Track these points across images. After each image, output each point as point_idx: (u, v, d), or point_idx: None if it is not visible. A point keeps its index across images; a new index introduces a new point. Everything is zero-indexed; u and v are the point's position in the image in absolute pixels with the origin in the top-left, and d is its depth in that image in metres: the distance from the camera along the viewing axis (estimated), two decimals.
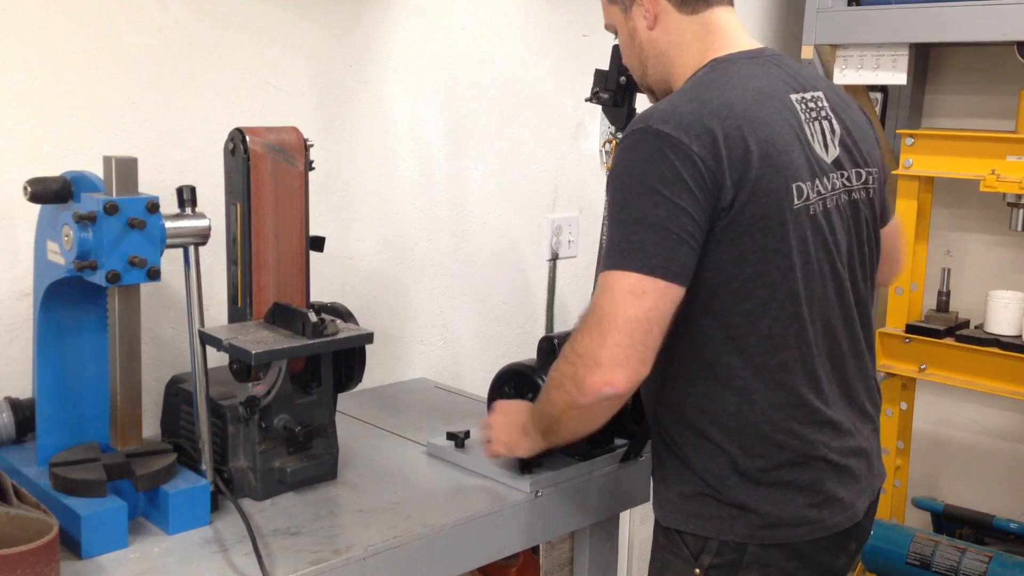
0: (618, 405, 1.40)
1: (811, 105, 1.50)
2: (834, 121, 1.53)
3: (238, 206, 1.62)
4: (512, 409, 1.66)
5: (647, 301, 1.33)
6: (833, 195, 1.48)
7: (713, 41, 1.52)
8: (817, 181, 1.46)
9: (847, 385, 1.54)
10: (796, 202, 1.42)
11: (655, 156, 1.36)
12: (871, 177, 1.57)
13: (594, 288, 1.45)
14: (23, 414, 1.63)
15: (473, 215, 2.44)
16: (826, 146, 1.50)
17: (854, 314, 1.54)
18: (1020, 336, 2.80)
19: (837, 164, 1.51)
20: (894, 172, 2.89)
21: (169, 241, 1.47)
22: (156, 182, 1.74)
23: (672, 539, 1.54)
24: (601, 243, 1.84)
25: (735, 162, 1.37)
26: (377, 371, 2.24)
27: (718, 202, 1.37)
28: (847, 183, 1.52)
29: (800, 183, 1.43)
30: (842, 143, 1.53)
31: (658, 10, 1.53)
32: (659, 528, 1.59)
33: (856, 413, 1.56)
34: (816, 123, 1.50)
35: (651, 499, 1.65)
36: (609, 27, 1.64)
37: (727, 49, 1.51)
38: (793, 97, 1.48)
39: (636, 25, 1.56)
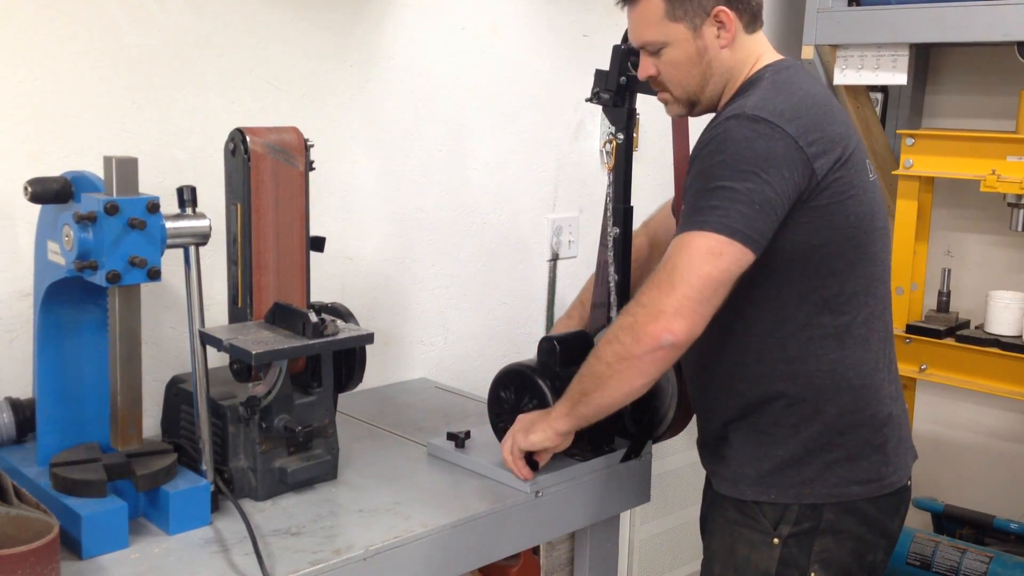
0: (671, 359, 1.48)
1: None
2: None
3: (238, 206, 1.62)
4: (529, 416, 1.68)
5: (723, 262, 1.44)
6: (875, 176, 1.64)
7: (761, 55, 1.65)
8: (868, 161, 1.63)
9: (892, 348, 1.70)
10: (870, 175, 1.60)
11: (749, 136, 1.47)
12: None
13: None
14: (23, 414, 1.63)
15: (473, 215, 2.44)
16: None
17: (888, 276, 1.70)
18: (1020, 336, 2.80)
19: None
20: (894, 172, 2.89)
21: (169, 241, 1.47)
22: (156, 182, 1.74)
23: (749, 512, 1.63)
24: (602, 243, 1.84)
25: (824, 143, 1.51)
26: (377, 371, 2.23)
27: (812, 178, 1.49)
28: (871, 165, 1.68)
29: (868, 160, 1.62)
30: None
31: (734, 29, 1.61)
32: (731, 503, 1.67)
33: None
34: None
35: (715, 477, 1.73)
36: (651, 44, 1.64)
37: (770, 59, 1.65)
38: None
39: (708, 44, 1.61)
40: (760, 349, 1.60)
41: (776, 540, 1.60)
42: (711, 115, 1.66)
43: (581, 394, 1.57)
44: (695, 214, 1.47)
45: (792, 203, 1.49)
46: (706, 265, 1.43)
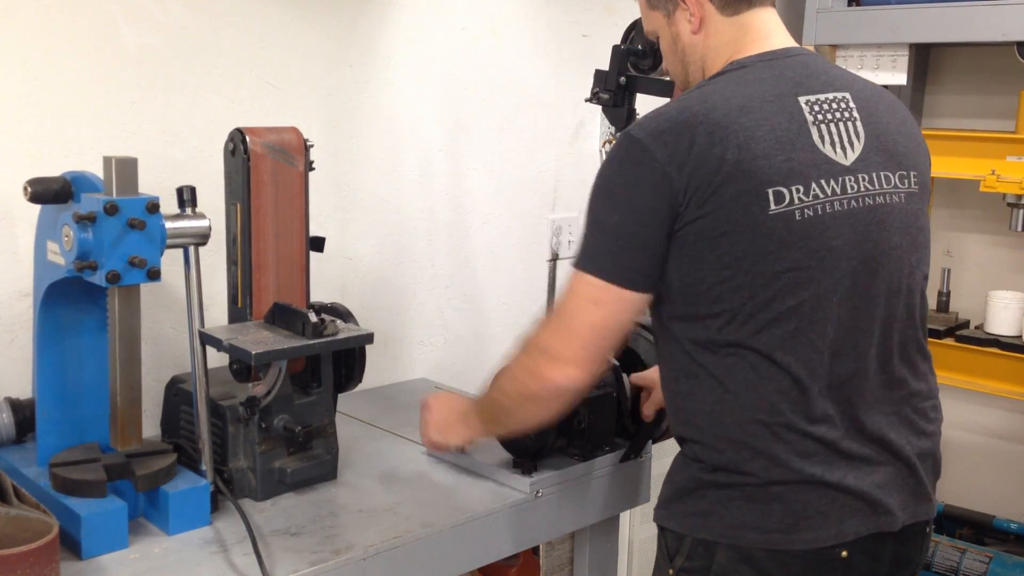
0: (574, 399, 1.48)
1: (826, 107, 1.44)
2: (859, 123, 1.46)
3: (238, 206, 1.62)
4: (446, 400, 1.74)
5: (603, 309, 1.40)
6: (845, 198, 1.41)
7: (744, 44, 1.48)
8: (815, 185, 1.39)
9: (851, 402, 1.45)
10: (772, 207, 1.35)
11: (624, 160, 1.40)
12: (908, 180, 1.48)
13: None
14: (23, 414, 1.63)
15: (473, 215, 2.44)
16: (843, 148, 1.43)
17: (865, 318, 1.43)
18: (1020, 336, 2.80)
19: (855, 167, 1.43)
20: None
21: (169, 241, 1.47)
22: (156, 182, 1.74)
23: (660, 535, 1.53)
24: None
25: (699, 169, 1.34)
26: (377, 371, 2.23)
27: (678, 208, 1.36)
28: (869, 186, 1.44)
29: (781, 188, 1.36)
30: (869, 145, 1.45)
31: (703, 13, 1.49)
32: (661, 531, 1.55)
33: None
34: (830, 125, 1.43)
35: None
36: (650, 33, 1.60)
37: (752, 51, 1.47)
38: (802, 99, 1.43)
39: (679, 29, 1.52)
40: (665, 373, 1.51)
41: (671, 572, 1.47)
42: None
43: (493, 419, 1.61)
44: (580, 249, 1.43)
45: (670, 232, 1.38)
46: (588, 315, 1.40)
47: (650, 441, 1.85)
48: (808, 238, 1.38)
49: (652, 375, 1.78)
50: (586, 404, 1.70)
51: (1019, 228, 2.77)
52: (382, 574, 1.46)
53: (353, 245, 2.21)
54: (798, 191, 1.38)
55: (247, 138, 1.60)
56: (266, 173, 1.62)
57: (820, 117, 1.43)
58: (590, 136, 2.68)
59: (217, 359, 1.64)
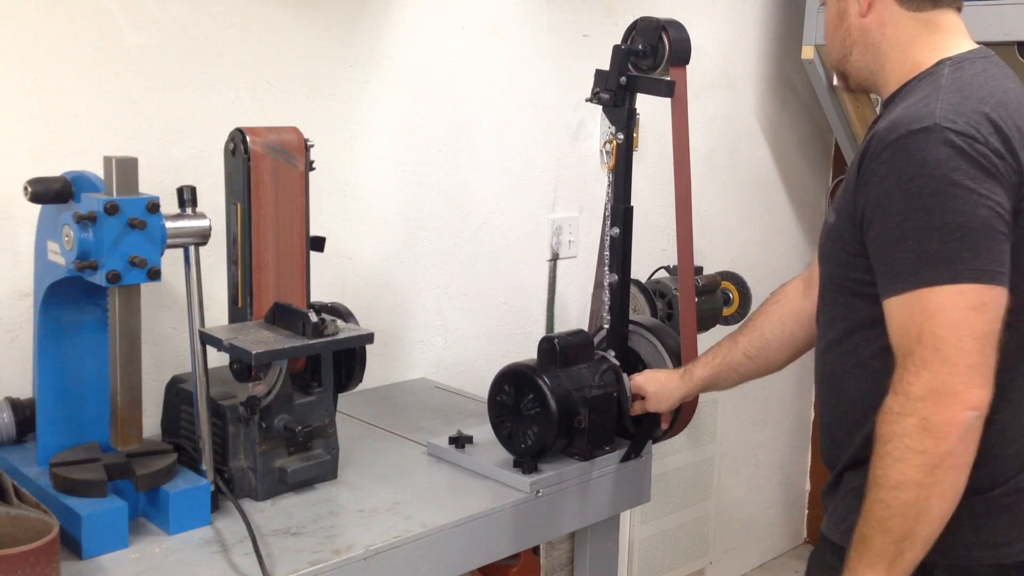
0: (980, 432, 1.24)
1: None
2: None
3: (238, 206, 1.62)
4: None
5: (990, 312, 1.23)
6: None
7: (940, 41, 1.41)
8: None
9: None
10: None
11: (955, 153, 1.25)
12: None
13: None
14: (23, 414, 1.63)
15: (473, 215, 2.44)
16: None
17: None
18: None
19: None
20: None
21: (169, 241, 1.47)
22: (156, 182, 1.74)
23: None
24: (602, 243, 1.84)
25: (1022, 159, 1.28)
26: (377, 371, 2.23)
27: (1018, 200, 1.28)
28: None
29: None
30: None
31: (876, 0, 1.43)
32: (831, 546, 1.45)
33: None
34: None
35: (826, 512, 1.50)
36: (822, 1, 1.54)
37: (956, 50, 1.40)
38: None
39: (848, 7, 1.46)
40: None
41: None
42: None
43: (897, 543, 1.25)
44: (932, 263, 1.24)
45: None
46: (976, 324, 1.22)
47: (650, 441, 1.85)
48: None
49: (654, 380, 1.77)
50: (586, 404, 1.70)
51: None
52: (382, 574, 1.46)
53: (353, 245, 2.21)
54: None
55: (247, 138, 1.60)
56: (266, 173, 1.62)
57: None
58: (590, 136, 2.68)
59: (217, 359, 1.64)
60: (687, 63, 1.80)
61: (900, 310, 1.26)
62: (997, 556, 1.34)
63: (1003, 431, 1.33)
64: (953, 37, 1.42)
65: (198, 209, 1.53)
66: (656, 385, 1.77)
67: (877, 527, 1.27)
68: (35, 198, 1.45)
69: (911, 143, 1.26)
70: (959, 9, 1.45)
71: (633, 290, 2.22)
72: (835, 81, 1.58)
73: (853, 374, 1.39)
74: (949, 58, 1.39)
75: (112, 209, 1.37)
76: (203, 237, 1.52)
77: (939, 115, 1.27)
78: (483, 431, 1.81)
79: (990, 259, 1.23)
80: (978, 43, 1.44)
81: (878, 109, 3.42)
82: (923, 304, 1.23)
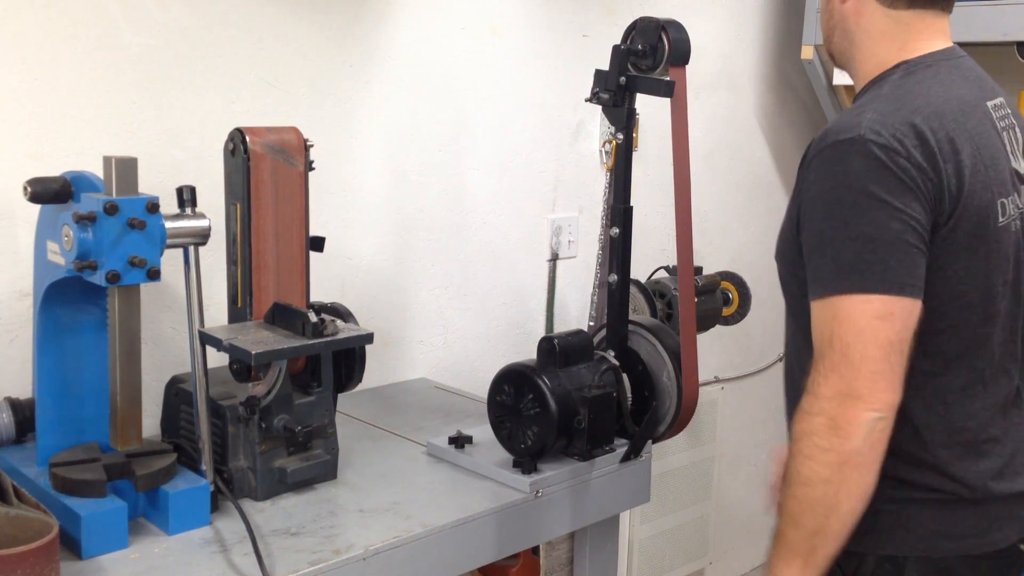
0: (887, 433, 1.28)
1: (1001, 113, 1.43)
2: (1018, 130, 1.45)
3: (238, 206, 1.62)
4: None
5: (896, 323, 1.26)
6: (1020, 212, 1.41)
7: (907, 41, 1.43)
8: (1015, 196, 1.39)
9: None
10: (1000, 219, 1.35)
11: (875, 166, 1.28)
12: None
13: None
14: (23, 414, 1.63)
15: (473, 215, 2.44)
16: (1018, 157, 1.42)
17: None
18: None
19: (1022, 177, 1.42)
20: None
21: (169, 241, 1.47)
22: (156, 182, 1.74)
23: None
24: (603, 243, 1.84)
25: (950, 175, 1.30)
26: (377, 371, 2.23)
27: (937, 215, 1.30)
28: None
29: (1004, 199, 1.36)
30: None
31: None
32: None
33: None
34: (1008, 132, 1.42)
35: None
36: None
37: (920, 51, 1.42)
38: (988, 104, 1.41)
39: None
40: None
41: None
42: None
43: (809, 538, 1.30)
44: (844, 271, 1.29)
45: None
46: (881, 332, 1.26)
47: (650, 441, 1.85)
48: (1015, 252, 1.39)
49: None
50: (586, 404, 1.70)
51: None
52: (382, 574, 1.46)
53: (353, 245, 2.21)
54: (1009, 203, 1.38)
55: (247, 138, 1.60)
56: (266, 173, 1.62)
57: (1001, 124, 1.42)
58: (590, 136, 2.68)
59: (217, 359, 1.64)
60: (687, 63, 1.80)
61: (817, 314, 1.31)
62: (966, 547, 1.38)
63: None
64: (924, 39, 1.43)
65: (198, 209, 1.53)
66: None
67: (791, 522, 1.32)
68: (35, 198, 1.45)
69: (836, 153, 1.31)
70: (946, 11, 1.46)
71: (633, 290, 2.22)
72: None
73: (803, 369, 1.41)
74: (906, 61, 1.41)
75: (112, 209, 1.37)
76: (203, 237, 1.52)
77: (864, 126, 1.30)
78: (483, 431, 1.81)
79: (901, 271, 1.27)
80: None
81: None
82: (834, 311, 1.28)
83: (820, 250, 1.31)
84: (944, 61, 1.42)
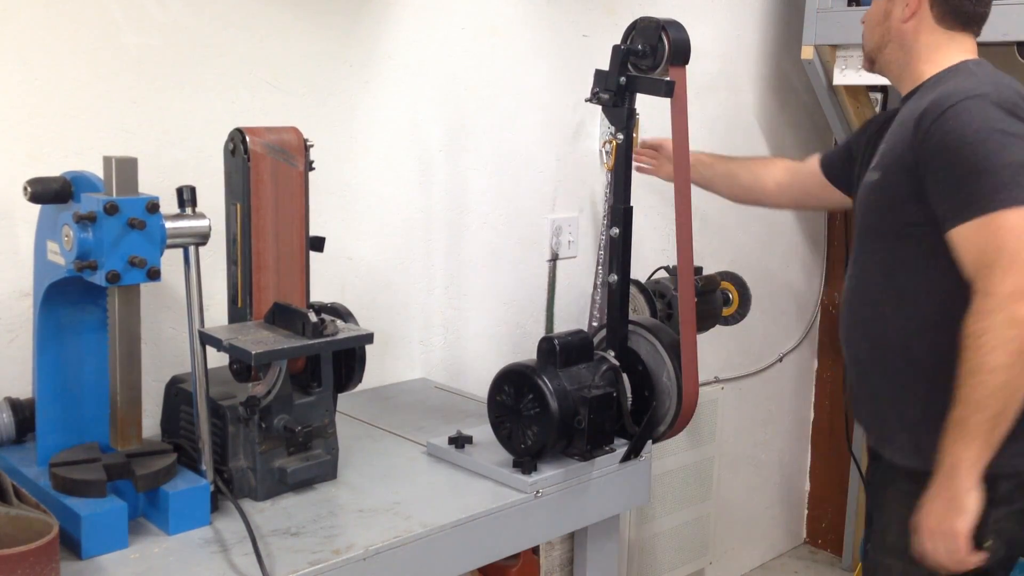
0: None
1: None
2: None
3: (238, 206, 1.62)
4: (928, 509, 1.62)
5: None
6: None
7: (956, 52, 1.81)
8: None
9: None
10: None
11: (1005, 114, 1.61)
12: None
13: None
14: (23, 414, 1.63)
15: (473, 215, 2.44)
16: None
17: None
18: None
19: None
20: None
21: (169, 241, 1.47)
22: (156, 182, 1.73)
23: (924, 483, 1.61)
24: (603, 244, 1.84)
25: None
26: (377, 371, 2.23)
27: None
28: None
29: None
30: None
31: (919, 11, 1.81)
32: (904, 475, 1.73)
33: None
34: None
35: (888, 448, 1.79)
36: None
37: (967, 59, 1.81)
38: None
39: (893, 10, 1.85)
40: (938, 318, 1.67)
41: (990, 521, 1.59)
42: None
43: (991, 420, 1.53)
44: (1005, 188, 1.55)
45: None
46: None
47: (650, 441, 1.85)
48: None
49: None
50: (586, 404, 1.70)
51: None
52: (382, 574, 1.46)
53: (353, 245, 2.21)
54: None
55: (247, 138, 1.60)
56: (266, 173, 1.62)
57: None
58: (590, 136, 2.68)
59: (217, 359, 1.64)
60: (687, 63, 1.81)
61: (972, 233, 1.57)
62: None
63: None
64: (966, 51, 1.83)
65: (198, 209, 1.53)
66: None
67: (974, 408, 1.53)
68: (35, 198, 1.45)
69: (971, 105, 1.62)
70: (976, 34, 1.85)
71: (633, 290, 2.22)
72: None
73: (898, 310, 1.72)
74: (966, 61, 1.79)
75: (112, 209, 1.37)
76: (203, 237, 1.52)
77: (985, 89, 1.66)
78: (483, 431, 1.81)
79: None
80: (978, 43, 1.82)
81: (877, 108, 3.42)
82: (998, 224, 1.54)
83: (971, 180, 1.57)
84: (986, 63, 1.80)
